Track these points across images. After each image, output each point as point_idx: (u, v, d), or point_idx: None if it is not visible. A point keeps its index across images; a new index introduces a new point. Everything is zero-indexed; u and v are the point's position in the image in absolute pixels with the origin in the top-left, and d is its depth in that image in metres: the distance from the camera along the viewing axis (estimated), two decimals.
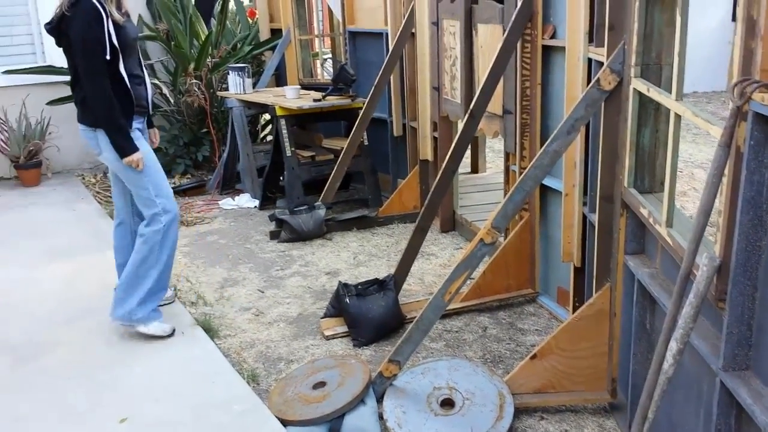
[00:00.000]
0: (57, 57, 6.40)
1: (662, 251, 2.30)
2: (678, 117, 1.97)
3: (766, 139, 1.51)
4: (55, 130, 6.40)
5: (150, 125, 3.48)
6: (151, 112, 3.40)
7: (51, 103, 6.24)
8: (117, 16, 3.02)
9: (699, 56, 7.92)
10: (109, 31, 2.98)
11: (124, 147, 3.11)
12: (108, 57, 2.99)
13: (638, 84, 2.25)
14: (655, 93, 2.13)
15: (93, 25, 2.95)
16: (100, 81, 3.02)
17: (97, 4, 2.96)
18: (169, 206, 3.24)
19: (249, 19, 7.23)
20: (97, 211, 5.43)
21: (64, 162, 6.62)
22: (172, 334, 3.33)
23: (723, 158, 1.58)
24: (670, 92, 2.03)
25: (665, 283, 2.28)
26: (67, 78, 6.19)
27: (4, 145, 6.19)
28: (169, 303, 3.66)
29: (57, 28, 3.06)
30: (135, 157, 3.11)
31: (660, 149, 2.38)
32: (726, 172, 1.63)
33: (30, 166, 6.20)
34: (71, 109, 6.31)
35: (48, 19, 3.15)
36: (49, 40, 6.32)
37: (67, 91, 6.21)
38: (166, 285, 3.38)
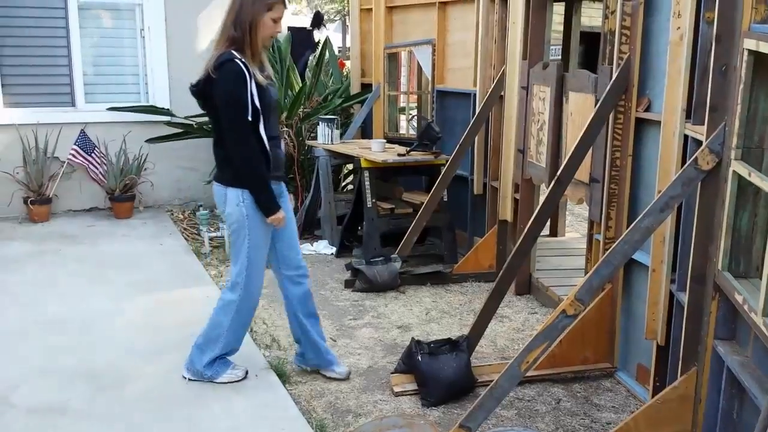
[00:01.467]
0: (160, 97, 6.79)
1: (755, 340, 2.21)
2: None
3: None
4: (150, 166, 6.73)
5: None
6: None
7: (150, 140, 6.58)
8: (260, 78, 3.07)
9: None
10: (252, 92, 3.03)
11: (268, 206, 3.17)
12: (250, 118, 3.04)
13: (738, 167, 2.20)
14: (756, 178, 2.07)
15: (238, 85, 3.00)
16: (244, 141, 3.06)
17: (242, 66, 3.02)
18: (252, 289, 3.28)
19: (340, 70, 7.49)
20: (182, 247, 5.64)
21: (156, 197, 6.94)
22: (245, 377, 3.40)
23: None
24: None
25: (757, 373, 2.19)
26: (167, 118, 6.60)
27: (102, 178, 6.54)
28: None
29: (203, 90, 3.12)
30: (279, 215, 3.19)
31: (758, 233, 2.31)
32: None
33: (124, 199, 6.52)
34: (168, 147, 6.73)
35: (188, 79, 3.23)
36: (154, 82, 6.78)
37: (165, 130, 6.58)
38: (237, 346, 3.43)
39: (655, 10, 3.19)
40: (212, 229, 5.70)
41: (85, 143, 6.48)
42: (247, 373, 3.42)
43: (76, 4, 6.51)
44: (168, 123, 6.58)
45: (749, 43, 2.14)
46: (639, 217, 2.49)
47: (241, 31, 3.04)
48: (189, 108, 6.53)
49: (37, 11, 6.43)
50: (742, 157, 2.25)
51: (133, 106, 6.61)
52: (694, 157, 2.42)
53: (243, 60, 3.03)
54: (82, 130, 6.50)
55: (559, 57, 6.21)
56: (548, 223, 6.04)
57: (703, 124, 2.49)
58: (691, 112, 2.73)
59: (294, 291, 3.45)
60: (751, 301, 2.12)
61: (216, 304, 3.36)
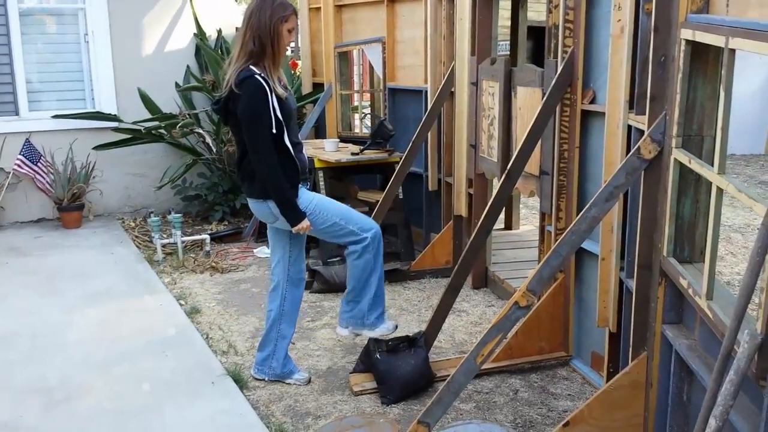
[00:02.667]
0: (106, 103, 6.64)
1: (701, 323, 2.26)
2: (720, 191, 1.96)
3: None
4: (99, 174, 6.58)
5: None
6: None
7: (97, 147, 6.43)
8: (280, 90, 3.11)
9: (736, 118, 7.87)
10: (273, 105, 3.07)
11: (293, 217, 3.20)
12: (274, 130, 3.08)
13: (679, 155, 2.25)
14: (696, 165, 2.12)
15: (259, 101, 3.04)
16: (267, 155, 3.09)
17: (262, 81, 3.06)
18: (366, 225, 3.34)
19: (291, 71, 7.43)
20: (135, 255, 5.53)
21: (106, 205, 6.79)
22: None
23: (766, 237, 1.56)
24: (712, 164, 2.03)
25: (704, 355, 2.24)
26: (114, 124, 6.47)
27: (49, 187, 6.37)
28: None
29: (225, 107, 3.16)
30: (303, 225, 3.21)
31: (700, 219, 2.37)
32: None
33: (73, 208, 6.36)
34: (116, 154, 6.59)
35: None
36: (99, 88, 6.63)
37: (113, 137, 6.45)
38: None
39: (596, 4, 3.24)
40: (165, 236, 5.60)
41: (30, 152, 6.31)
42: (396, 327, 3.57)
43: (17, 10, 6.32)
44: (115, 129, 6.44)
45: (686, 33, 2.19)
46: (585, 208, 2.53)
47: (260, 45, 3.09)
48: (136, 113, 6.47)
49: None
50: (682, 145, 2.30)
51: (79, 113, 6.45)
52: (636, 146, 2.47)
53: (262, 75, 3.08)
54: (26, 139, 6.32)
55: (508, 52, 6.28)
56: (503, 217, 6.11)
57: (645, 114, 2.54)
58: (634, 103, 2.79)
59: (295, 293, 3.52)
60: (695, 286, 2.17)
61: (350, 260, 3.37)
